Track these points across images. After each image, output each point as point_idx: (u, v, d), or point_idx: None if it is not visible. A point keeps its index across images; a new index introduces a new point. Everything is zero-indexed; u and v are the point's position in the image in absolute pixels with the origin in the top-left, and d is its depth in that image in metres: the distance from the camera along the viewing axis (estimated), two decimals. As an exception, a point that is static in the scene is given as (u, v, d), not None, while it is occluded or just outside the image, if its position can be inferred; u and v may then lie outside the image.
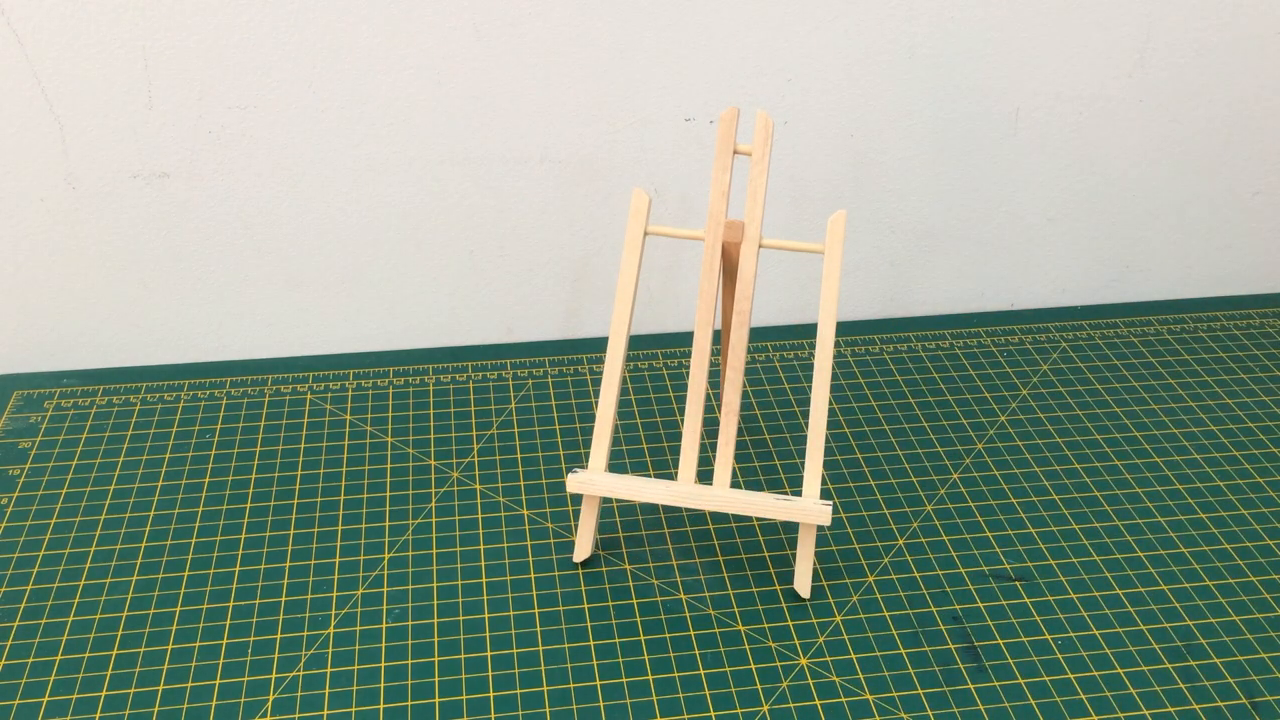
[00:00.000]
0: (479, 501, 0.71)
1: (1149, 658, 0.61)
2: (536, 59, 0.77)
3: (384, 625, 0.62)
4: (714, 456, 0.67)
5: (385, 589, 0.65)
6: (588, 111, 0.79)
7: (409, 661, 0.60)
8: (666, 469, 0.74)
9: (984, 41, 0.80)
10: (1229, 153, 0.88)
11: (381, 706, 0.58)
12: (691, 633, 0.62)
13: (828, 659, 0.61)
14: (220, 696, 0.58)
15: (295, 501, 0.70)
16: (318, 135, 0.77)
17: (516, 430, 0.77)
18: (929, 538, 0.69)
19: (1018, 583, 0.66)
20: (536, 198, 0.82)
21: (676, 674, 0.60)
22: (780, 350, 0.85)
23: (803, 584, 0.64)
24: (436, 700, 0.58)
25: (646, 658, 0.61)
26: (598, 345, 0.85)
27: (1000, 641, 0.62)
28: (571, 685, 0.59)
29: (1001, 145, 0.85)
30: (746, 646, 0.61)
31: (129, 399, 0.79)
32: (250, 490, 0.71)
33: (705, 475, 0.68)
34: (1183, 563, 0.67)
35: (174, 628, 0.62)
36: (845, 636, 0.62)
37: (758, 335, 0.86)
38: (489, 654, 0.61)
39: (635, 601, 0.64)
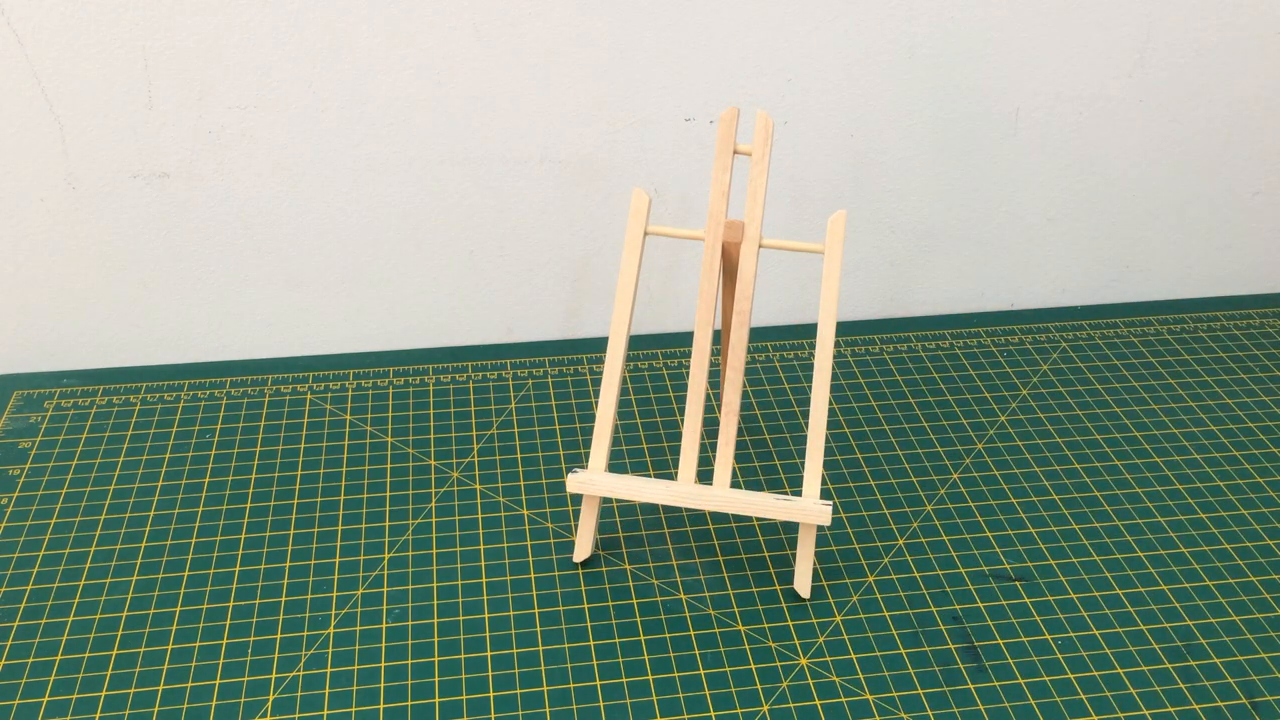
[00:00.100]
0: (479, 501, 0.71)
1: (1149, 658, 0.61)
2: (536, 59, 0.77)
3: (384, 625, 0.62)
4: (714, 456, 0.67)
5: (385, 589, 0.65)
6: (588, 111, 0.79)
7: (409, 661, 0.60)
8: (666, 469, 0.74)
9: (984, 41, 0.80)
10: (1229, 153, 0.88)
11: (381, 706, 0.58)
12: (691, 633, 0.62)
13: (828, 659, 0.61)
14: (220, 696, 0.58)
15: (295, 501, 0.70)
16: (318, 135, 0.77)
17: (516, 430, 0.77)
18: (929, 538, 0.69)
19: (1018, 583, 0.66)
20: (536, 198, 0.82)
21: (676, 674, 0.60)
22: (780, 350, 0.85)
23: (803, 584, 0.64)
24: (436, 700, 0.58)
25: (646, 658, 0.61)
26: (598, 345, 0.85)
27: (1000, 641, 0.62)
28: (571, 685, 0.59)
29: (1001, 145, 0.85)
30: (746, 646, 0.61)
31: (129, 399, 0.79)
32: (250, 490, 0.71)
33: (705, 475, 0.68)
34: (1183, 563, 0.67)
35: (174, 628, 0.62)
36: (845, 636, 0.62)
37: (758, 335, 0.86)
38: (489, 654, 0.61)
39: (635, 601, 0.64)
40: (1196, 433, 0.77)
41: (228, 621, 0.62)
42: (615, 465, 0.74)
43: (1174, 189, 0.90)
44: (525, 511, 0.70)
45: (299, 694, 0.58)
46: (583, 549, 0.66)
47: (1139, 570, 0.66)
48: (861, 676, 0.60)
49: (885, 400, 0.80)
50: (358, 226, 0.81)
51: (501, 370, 0.83)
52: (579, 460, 0.74)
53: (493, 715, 0.57)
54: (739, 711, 0.58)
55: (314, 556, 0.67)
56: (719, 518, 0.70)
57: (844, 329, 0.88)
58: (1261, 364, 0.84)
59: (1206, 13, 0.82)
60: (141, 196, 0.78)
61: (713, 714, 0.58)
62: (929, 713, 0.58)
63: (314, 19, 0.73)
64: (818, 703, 0.58)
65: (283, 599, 0.64)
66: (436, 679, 0.59)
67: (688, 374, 0.82)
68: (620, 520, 0.70)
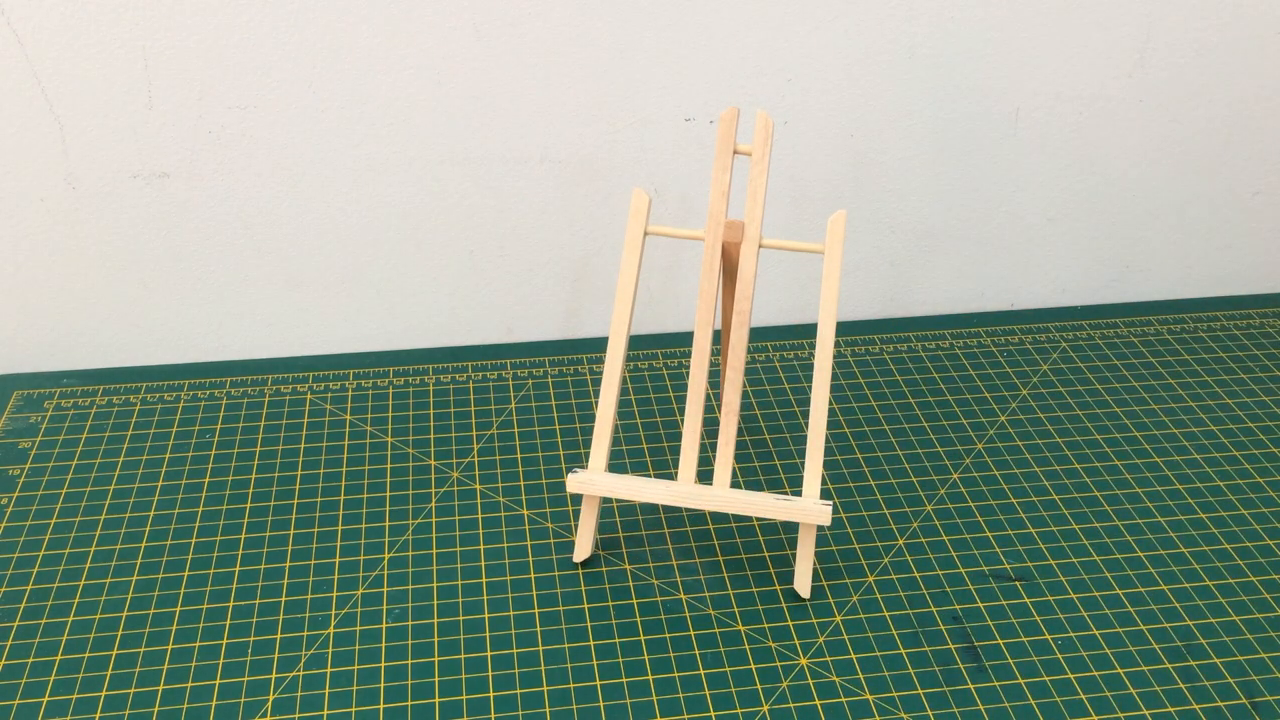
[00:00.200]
0: (479, 501, 0.71)
1: (1149, 658, 0.61)
2: (536, 59, 0.77)
3: (384, 625, 0.62)
4: (714, 456, 0.67)
5: (385, 589, 0.65)
6: (588, 111, 0.79)
7: (409, 661, 0.60)
8: (666, 469, 0.74)
9: (984, 41, 0.80)
10: (1229, 153, 0.88)
11: (381, 706, 0.58)
12: (691, 633, 0.62)
13: (828, 659, 0.61)
14: (220, 696, 0.58)
15: (295, 501, 0.70)
16: (318, 135, 0.77)
17: (516, 430, 0.77)
18: (929, 538, 0.69)
19: (1018, 583, 0.66)
20: (536, 198, 0.82)
21: (676, 674, 0.60)
22: (780, 350, 0.85)
23: (803, 584, 0.64)
24: (436, 700, 0.58)
25: (646, 658, 0.61)
26: (598, 345, 0.85)
27: (1000, 641, 0.62)
28: (571, 685, 0.59)
29: (1001, 145, 0.85)
30: (746, 646, 0.61)
31: (129, 399, 0.79)
32: (250, 490, 0.71)
33: (705, 475, 0.68)
34: (1183, 563, 0.67)
35: (174, 628, 0.62)
36: (845, 636, 0.62)
37: (758, 335, 0.86)
38: (489, 654, 0.61)
39: (635, 601, 0.64)
40: (1196, 433, 0.77)
41: (228, 621, 0.62)
42: (615, 465, 0.74)
43: (1174, 189, 0.90)
44: (525, 511, 0.70)
45: (299, 694, 0.58)
46: (583, 549, 0.66)
47: (1139, 570, 0.66)
48: (861, 676, 0.60)
49: (885, 400, 0.80)
50: (358, 226, 0.81)
51: (501, 370, 0.83)
52: (579, 460, 0.74)
53: (493, 715, 0.57)
54: (739, 711, 0.58)
55: (314, 556, 0.67)
56: (719, 518, 0.70)
57: (844, 329, 0.88)
58: (1261, 364, 0.84)
59: (1206, 13, 0.82)
60: (141, 196, 0.78)
61: (713, 714, 0.58)
62: (929, 713, 0.58)
63: (314, 19, 0.73)
64: (818, 703, 0.58)
65: (283, 599, 0.64)
66: (436, 679, 0.59)
67: (688, 374, 0.82)
68: (620, 520, 0.70)
